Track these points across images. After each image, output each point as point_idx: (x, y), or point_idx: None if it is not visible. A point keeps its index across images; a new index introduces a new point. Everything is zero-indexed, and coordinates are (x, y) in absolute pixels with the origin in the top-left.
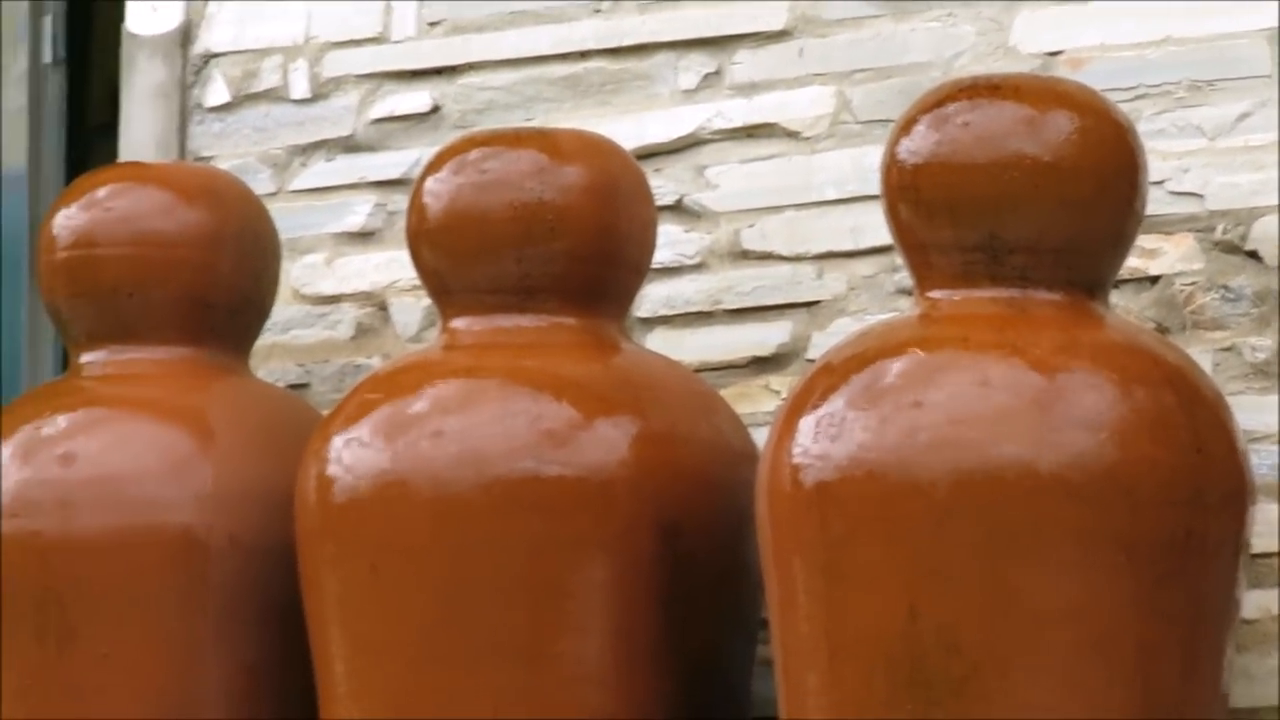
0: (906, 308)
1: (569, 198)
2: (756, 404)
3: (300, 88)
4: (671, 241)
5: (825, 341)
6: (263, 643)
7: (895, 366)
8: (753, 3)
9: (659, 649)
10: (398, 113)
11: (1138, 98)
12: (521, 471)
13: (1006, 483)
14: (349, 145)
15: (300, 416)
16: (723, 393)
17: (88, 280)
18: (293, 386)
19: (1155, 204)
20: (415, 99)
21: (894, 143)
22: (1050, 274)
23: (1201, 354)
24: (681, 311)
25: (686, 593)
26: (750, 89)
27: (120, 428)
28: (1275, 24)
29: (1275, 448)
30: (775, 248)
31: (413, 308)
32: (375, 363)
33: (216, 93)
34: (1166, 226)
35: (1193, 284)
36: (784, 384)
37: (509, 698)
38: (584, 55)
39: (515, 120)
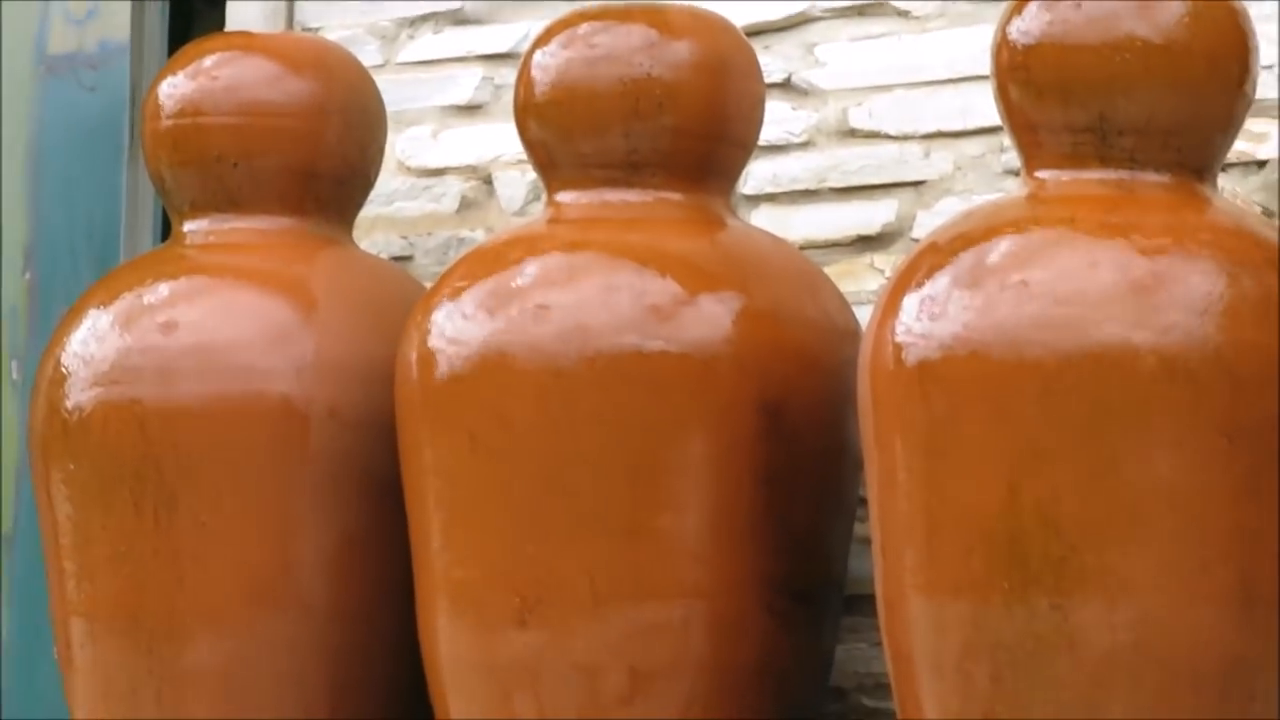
0: (1014, 188)
1: (678, 73)
2: (861, 282)
3: None
4: (779, 119)
5: (931, 221)
6: (361, 514)
7: (1001, 246)
8: None
9: (758, 526)
10: None
11: None
12: (625, 346)
13: (1110, 363)
14: (457, 18)
15: (403, 289)
16: (827, 270)
17: (193, 149)
18: (396, 259)
19: (1265, 88)
20: None
21: (1005, 23)
22: (1159, 156)
23: None
24: (787, 189)
25: (787, 470)
26: None
27: (222, 297)
28: None
29: None
30: (883, 127)
31: (518, 181)
32: (479, 236)
33: None
34: (1275, 110)
35: None
36: (888, 263)
37: (606, 572)
38: None
39: None
